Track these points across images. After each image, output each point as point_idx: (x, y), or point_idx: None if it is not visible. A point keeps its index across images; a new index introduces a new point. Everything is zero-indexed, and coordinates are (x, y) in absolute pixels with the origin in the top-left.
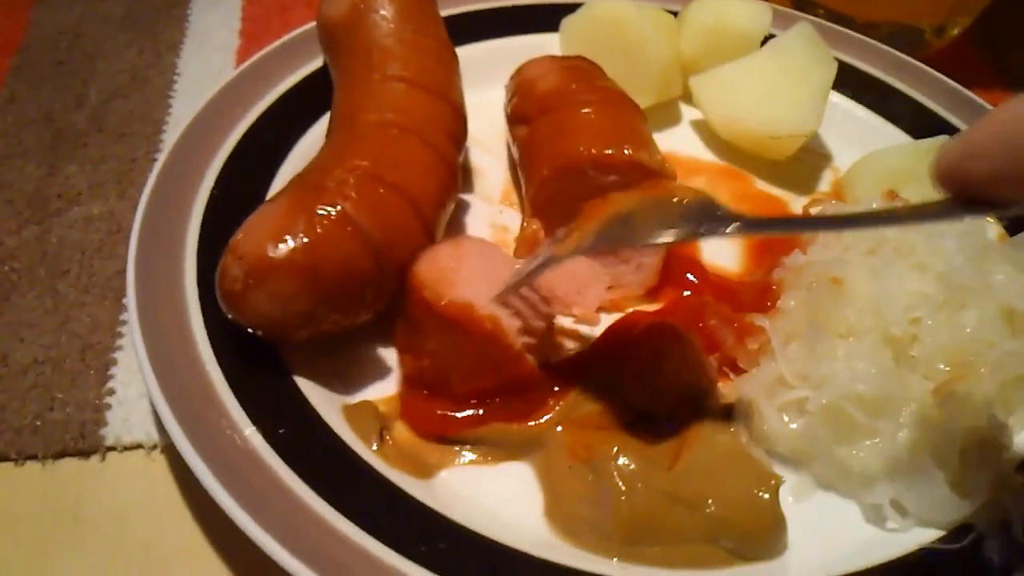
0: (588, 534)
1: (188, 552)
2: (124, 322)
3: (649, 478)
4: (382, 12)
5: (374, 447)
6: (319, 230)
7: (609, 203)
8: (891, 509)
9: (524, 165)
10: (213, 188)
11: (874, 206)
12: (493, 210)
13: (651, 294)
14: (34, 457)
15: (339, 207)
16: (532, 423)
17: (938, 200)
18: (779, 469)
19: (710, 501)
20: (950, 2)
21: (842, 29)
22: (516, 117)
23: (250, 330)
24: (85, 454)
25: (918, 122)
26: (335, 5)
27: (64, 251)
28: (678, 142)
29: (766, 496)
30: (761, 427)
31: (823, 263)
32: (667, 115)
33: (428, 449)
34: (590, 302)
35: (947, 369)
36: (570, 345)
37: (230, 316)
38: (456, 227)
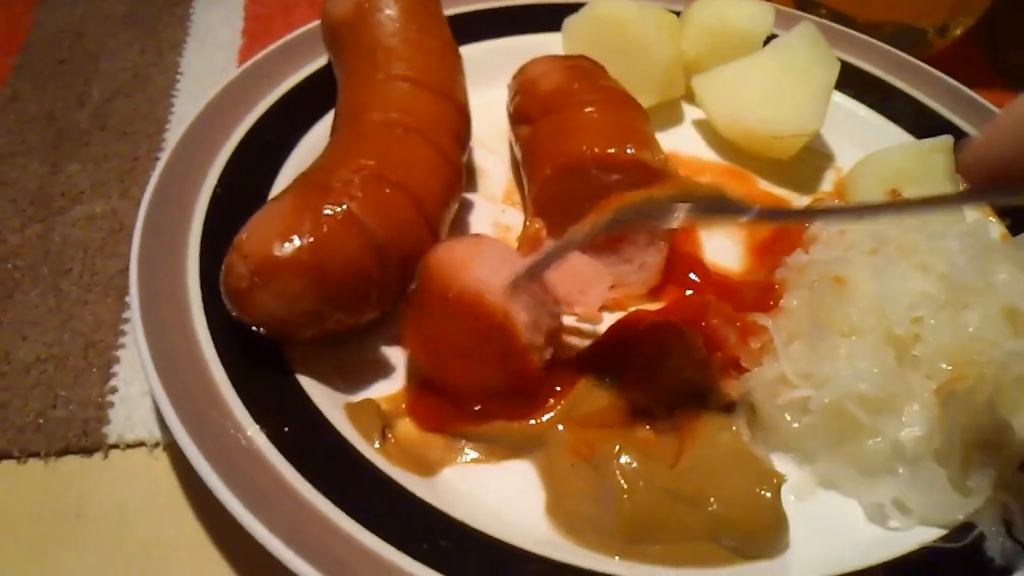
0: (590, 532)
1: (190, 550)
2: (126, 320)
3: (651, 476)
4: (386, 11)
5: (376, 445)
6: (325, 229)
7: (619, 199)
8: (893, 508)
9: (527, 164)
10: (216, 187)
11: None
12: (496, 209)
13: (653, 293)
14: (37, 455)
15: (345, 206)
16: (534, 421)
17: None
18: (781, 468)
19: (712, 499)
20: (951, 2)
21: (844, 29)
22: (519, 116)
23: (254, 328)
24: (88, 452)
25: (920, 122)
26: (340, 4)
27: (67, 249)
28: (680, 142)
29: (768, 495)
30: (763, 426)
31: (825, 262)
32: (670, 115)
33: (431, 447)
34: (593, 301)
35: (949, 369)
36: (573, 343)
37: (235, 314)
38: (459, 226)
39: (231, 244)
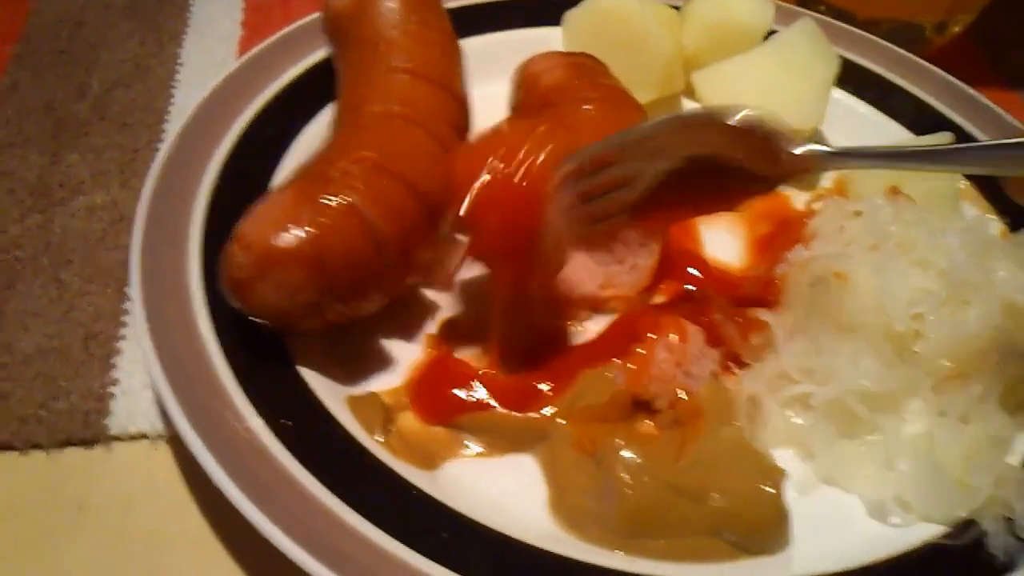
0: (592, 527)
1: (192, 542)
2: (127, 311)
3: (654, 471)
4: (388, 4)
5: (379, 438)
6: (325, 220)
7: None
8: (894, 504)
9: None
10: (216, 178)
11: (878, 202)
12: None
13: (650, 290)
14: (39, 446)
15: (345, 197)
16: (536, 414)
17: None
18: (783, 463)
19: (714, 494)
20: None
21: (844, 25)
22: (519, 110)
23: (254, 319)
24: (89, 443)
25: (919, 119)
26: None
27: (67, 240)
28: None
29: (770, 490)
30: (765, 421)
31: (826, 258)
32: (669, 110)
33: (433, 440)
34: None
35: (950, 365)
36: (575, 339)
37: (235, 305)
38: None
39: (231, 235)
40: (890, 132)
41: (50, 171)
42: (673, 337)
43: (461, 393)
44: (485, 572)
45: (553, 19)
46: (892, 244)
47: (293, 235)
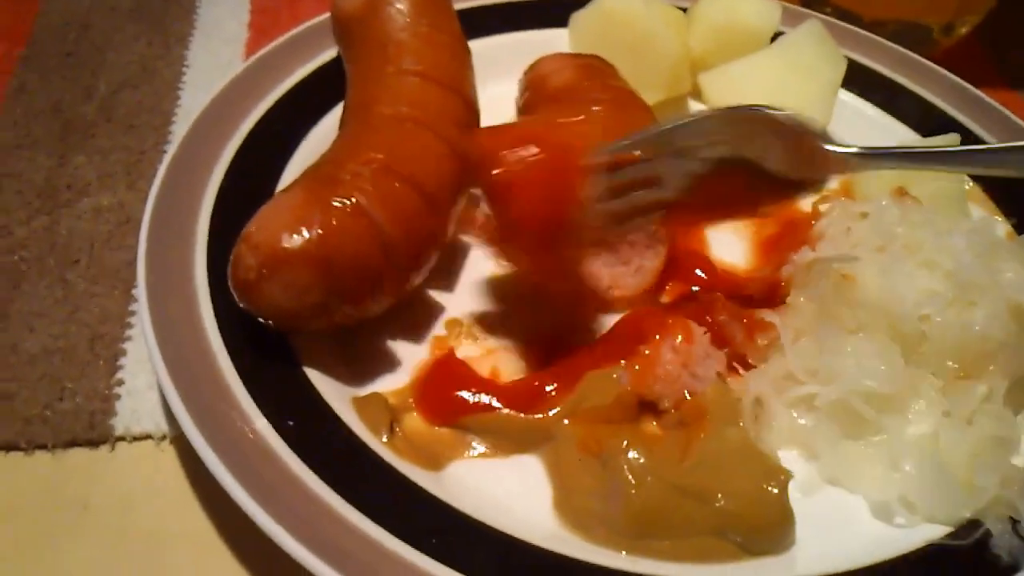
0: (597, 527)
1: (196, 542)
2: (133, 313)
3: (659, 472)
4: (397, 6)
5: (384, 439)
6: (334, 222)
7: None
8: (899, 505)
9: None
10: (223, 179)
11: (885, 204)
12: None
13: (656, 291)
14: (44, 446)
15: (354, 199)
16: (541, 415)
17: None
18: (787, 464)
19: (719, 495)
20: (957, 0)
21: (850, 27)
22: (527, 111)
23: (261, 320)
24: (94, 444)
25: (926, 120)
26: None
27: (74, 241)
28: None
29: (775, 491)
30: (770, 422)
31: (833, 259)
32: (676, 111)
33: (438, 441)
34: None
35: (956, 366)
36: (578, 339)
37: (243, 306)
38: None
39: (239, 236)
40: (897, 134)
41: (57, 173)
42: (679, 338)
43: (466, 394)
44: (490, 572)
45: (561, 21)
46: (899, 245)
47: (301, 236)
